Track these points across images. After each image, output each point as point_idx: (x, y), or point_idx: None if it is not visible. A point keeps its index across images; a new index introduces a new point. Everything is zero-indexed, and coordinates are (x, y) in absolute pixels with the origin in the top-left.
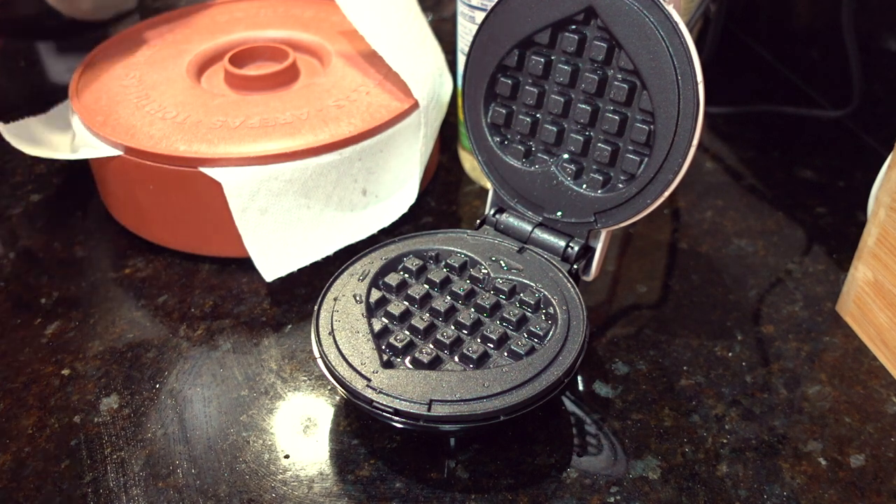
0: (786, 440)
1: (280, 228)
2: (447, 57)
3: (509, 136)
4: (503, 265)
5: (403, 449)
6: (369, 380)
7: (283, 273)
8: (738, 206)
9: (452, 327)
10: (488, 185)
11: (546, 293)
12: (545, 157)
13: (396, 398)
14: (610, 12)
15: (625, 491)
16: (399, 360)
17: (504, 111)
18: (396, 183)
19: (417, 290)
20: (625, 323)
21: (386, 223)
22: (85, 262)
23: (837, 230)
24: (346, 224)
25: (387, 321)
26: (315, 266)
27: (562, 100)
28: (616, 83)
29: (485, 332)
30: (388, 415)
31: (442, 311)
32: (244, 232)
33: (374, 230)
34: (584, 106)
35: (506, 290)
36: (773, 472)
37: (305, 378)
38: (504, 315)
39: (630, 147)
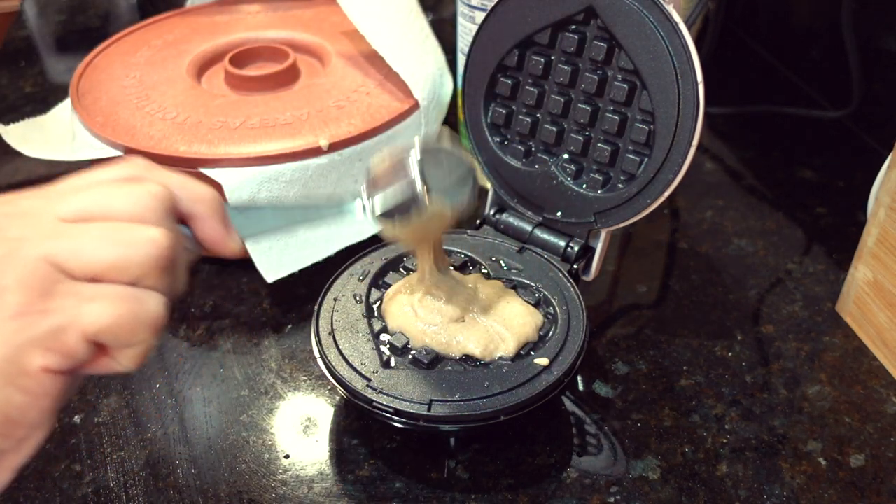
0: (786, 440)
1: (281, 229)
2: (447, 57)
3: (509, 136)
4: (503, 265)
5: (403, 449)
6: (369, 380)
7: (283, 274)
8: (738, 206)
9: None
10: (488, 185)
11: (546, 293)
12: (545, 157)
13: (396, 398)
14: (610, 12)
15: (625, 491)
16: (399, 359)
17: (504, 111)
18: None
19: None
20: (625, 323)
21: None
22: None
23: (837, 230)
24: (347, 224)
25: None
26: (315, 266)
27: (562, 100)
28: (616, 83)
29: None
30: (388, 415)
31: None
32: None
33: (374, 230)
34: (584, 106)
35: None
36: (773, 472)
37: (305, 378)
38: None
39: (630, 147)
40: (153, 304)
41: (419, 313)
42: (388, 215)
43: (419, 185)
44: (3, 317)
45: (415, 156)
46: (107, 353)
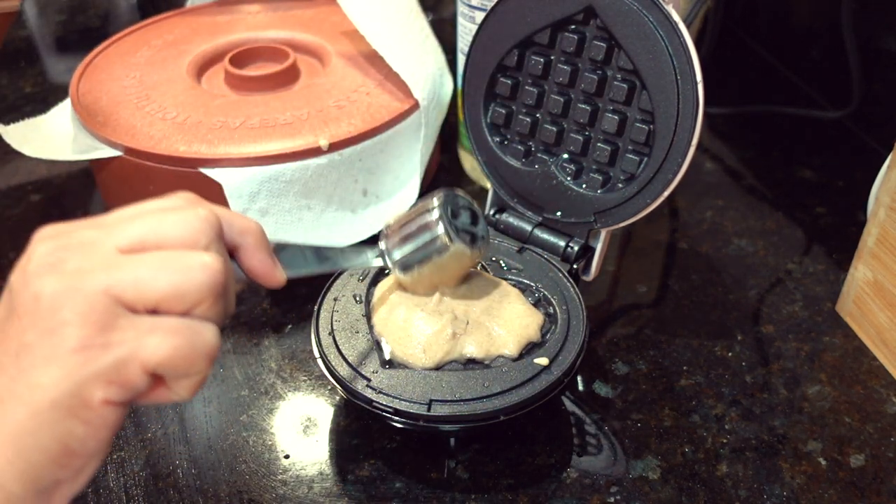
0: (786, 440)
1: (281, 230)
2: (447, 57)
3: (509, 136)
4: (503, 265)
5: (403, 449)
6: (369, 380)
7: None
8: (738, 206)
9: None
10: (488, 185)
11: (546, 293)
12: (545, 157)
13: (396, 398)
14: (609, 12)
15: (625, 491)
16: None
17: (504, 111)
18: (397, 183)
19: None
20: (625, 323)
21: None
22: None
23: (837, 230)
24: (347, 224)
25: None
26: None
27: (561, 100)
28: (615, 83)
29: None
30: (388, 415)
31: None
32: None
33: (374, 230)
34: (583, 106)
35: None
36: (773, 472)
37: (305, 378)
38: None
39: (630, 147)
40: (208, 335)
41: (420, 340)
42: (407, 265)
43: (441, 229)
44: (65, 351)
45: (437, 203)
46: (163, 384)
